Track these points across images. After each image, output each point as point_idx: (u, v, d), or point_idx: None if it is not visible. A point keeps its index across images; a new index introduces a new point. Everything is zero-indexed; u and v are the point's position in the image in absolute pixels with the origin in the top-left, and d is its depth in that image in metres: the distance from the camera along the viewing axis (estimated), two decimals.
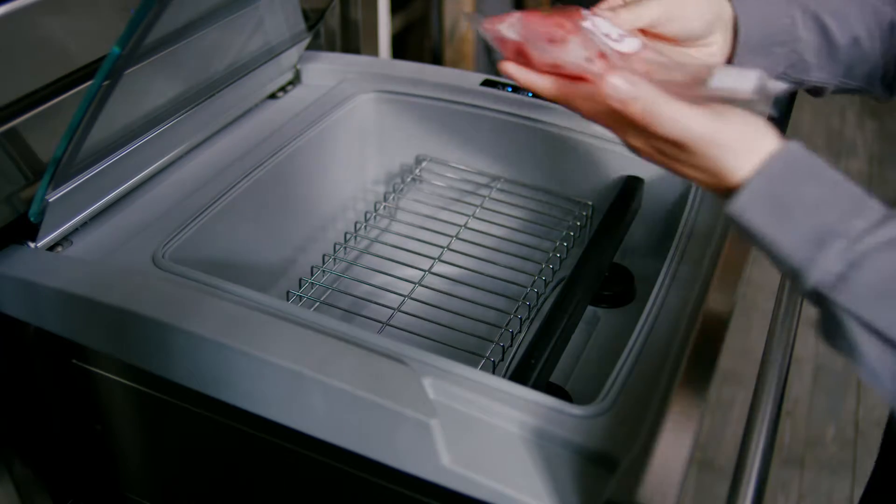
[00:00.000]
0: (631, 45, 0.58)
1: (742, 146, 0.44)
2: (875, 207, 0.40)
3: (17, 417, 0.77)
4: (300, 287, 0.80)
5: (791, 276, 0.40)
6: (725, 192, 0.44)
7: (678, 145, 0.46)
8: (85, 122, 0.58)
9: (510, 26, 0.58)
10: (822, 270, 0.38)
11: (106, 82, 0.57)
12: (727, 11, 0.61)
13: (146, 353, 0.64)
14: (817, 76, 0.67)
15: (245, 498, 0.73)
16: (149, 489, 0.81)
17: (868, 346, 0.37)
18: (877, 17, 0.65)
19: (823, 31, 0.65)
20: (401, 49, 1.84)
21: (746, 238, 0.43)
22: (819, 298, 0.39)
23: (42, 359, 0.73)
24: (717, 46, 0.61)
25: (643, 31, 0.58)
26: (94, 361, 0.71)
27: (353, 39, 1.34)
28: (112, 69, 0.56)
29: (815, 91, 0.69)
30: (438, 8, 1.79)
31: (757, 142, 0.44)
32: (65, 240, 0.72)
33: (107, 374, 0.70)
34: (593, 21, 0.59)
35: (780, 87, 0.48)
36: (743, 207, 0.42)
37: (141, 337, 0.63)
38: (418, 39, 1.87)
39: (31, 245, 0.69)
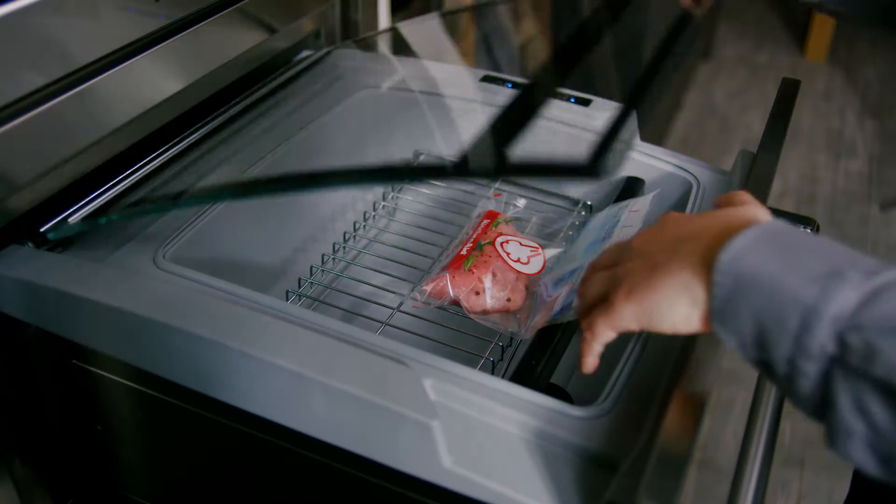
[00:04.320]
0: (537, 265, 0.75)
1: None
2: (870, 258, 0.37)
3: (17, 417, 0.77)
4: (299, 287, 0.80)
5: (792, 330, 0.35)
6: (709, 253, 0.41)
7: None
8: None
9: (444, 301, 0.73)
10: (840, 301, 0.34)
11: None
12: None
13: (146, 354, 0.64)
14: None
15: (245, 498, 0.73)
16: (149, 489, 0.81)
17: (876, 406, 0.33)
18: None
19: None
20: None
21: (723, 318, 0.39)
22: (833, 350, 0.34)
23: (42, 359, 0.73)
24: None
25: None
26: (94, 361, 0.70)
27: None
28: None
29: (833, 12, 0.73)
30: (438, 8, 1.79)
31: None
32: (65, 240, 0.72)
33: (107, 374, 0.70)
34: (505, 249, 0.76)
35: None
36: (740, 251, 0.38)
37: (141, 337, 0.63)
38: None
39: (31, 245, 0.69)
